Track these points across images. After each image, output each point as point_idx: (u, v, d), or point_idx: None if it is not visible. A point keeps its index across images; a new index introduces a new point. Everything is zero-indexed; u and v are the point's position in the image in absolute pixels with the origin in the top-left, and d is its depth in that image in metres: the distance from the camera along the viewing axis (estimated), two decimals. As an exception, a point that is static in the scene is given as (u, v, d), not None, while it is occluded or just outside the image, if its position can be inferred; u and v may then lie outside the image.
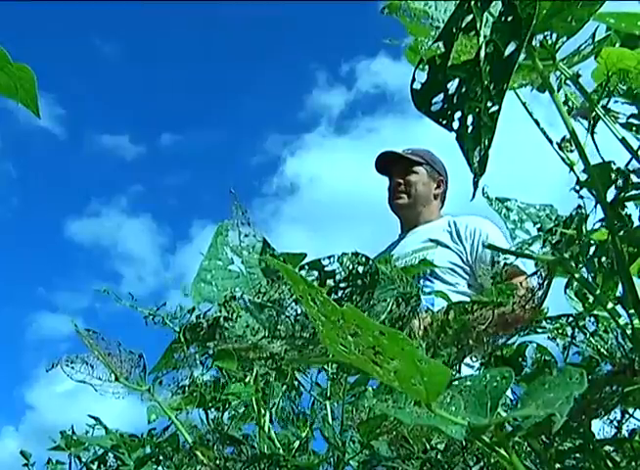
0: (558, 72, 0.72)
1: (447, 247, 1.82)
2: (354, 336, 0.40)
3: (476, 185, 0.49)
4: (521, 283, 0.72)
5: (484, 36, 0.51)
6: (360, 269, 0.61)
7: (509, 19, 0.50)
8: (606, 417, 0.72)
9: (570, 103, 0.76)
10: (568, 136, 0.71)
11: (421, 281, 1.68)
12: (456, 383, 0.46)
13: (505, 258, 0.80)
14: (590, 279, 0.66)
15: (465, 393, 0.44)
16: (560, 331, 0.78)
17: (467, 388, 0.44)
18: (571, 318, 0.78)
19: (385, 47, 0.80)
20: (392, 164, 2.11)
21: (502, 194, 0.93)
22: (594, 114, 0.71)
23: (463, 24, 0.52)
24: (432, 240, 1.87)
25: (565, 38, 0.69)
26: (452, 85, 0.53)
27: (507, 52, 0.50)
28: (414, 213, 2.05)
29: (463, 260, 1.81)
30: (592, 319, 0.80)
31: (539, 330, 0.78)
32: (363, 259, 0.61)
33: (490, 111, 0.50)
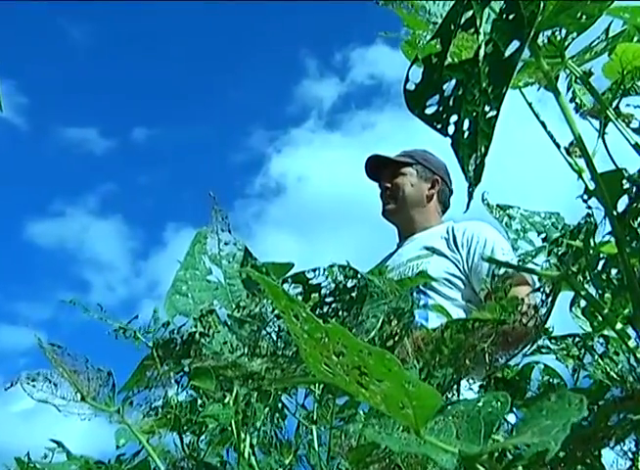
0: (568, 70, 0.74)
1: (444, 255, 1.82)
2: (339, 355, 0.42)
3: (470, 195, 0.50)
4: (523, 299, 0.73)
5: (484, 35, 0.53)
6: (348, 283, 0.62)
7: (510, 17, 0.51)
8: (619, 447, 0.73)
9: (580, 102, 0.78)
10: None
11: (414, 294, 1.68)
12: (449, 407, 0.47)
13: (506, 271, 0.81)
14: (598, 296, 0.67)
15: (458, 418, 0.45)
16: (566, 352, 0.80)
17: (460, 413, 0.46)
18: (577, 338, 0.79)
19: (383, 28, 0.81)
20: (381, 169, 2.13)
21: (505, 200, 0.94)
22: (605, 116, 0.72)
23: (462, 21, 0.54)
24: (426, 248, 1.88)
25: (575, 34, 0.71)
26: (448, 86, 0.54)
27: (508, 52, 0.52)
28: (406, 219, 2.06)
29: (460, 270, 1.81)
30: (602, 340, 0.81)
31: (543, 351, 0.79)
32: (351, 272, 0.62)
33: (488, 116, 0.51)
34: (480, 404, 0.46)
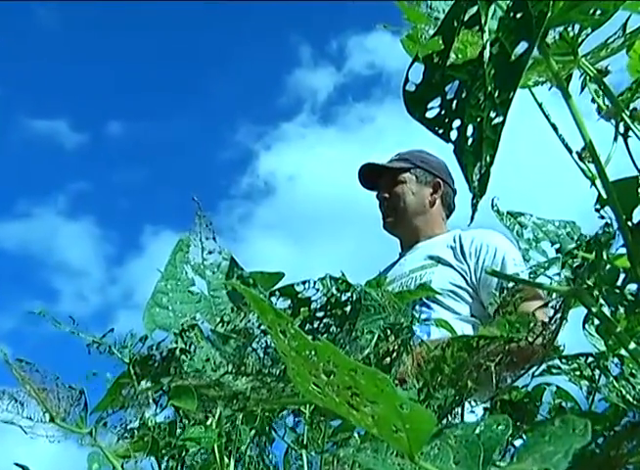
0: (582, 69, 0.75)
1: (450, 265, 1.83)
2: (329, 374, 0.43)
3: (475, 207, 0.51)
4: (534, 314, 0.75)
5: (490, 33, 0.54)
6: (341, 296, 0.64)
7: (518, 16, 0.53)
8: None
9: (602, 103, 0.79)
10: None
11: (416, 306, 1.69)
12: (447, 431, 0.49)
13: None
14: (611, 313, 0.69)
15: (455, 443, 0.47)
16: (578, 373, 0.81)
17: (458, 437, 0.47)
18: (591, 358, 0.80)
19: (383, 17, 0.83)
20: (377, 178, 2.13)
21: (516, 207, 0.94)
22: (622, 120, 0.74)
23: (466, 18, 0.55)
24: (431, 257, 1.88)
25: (589, 30, 0.72)
26: (451, 88, 0.55)
27: (515, 54, 0.53)
28: (410, 229, 2.07)
29: (467, 282, 1.82)
30: (617, 360, 0.83)
31: (554, 371, 0.81)
32: (344, 285, 0.63)
33: (494, 122, 0.52)
34: (480, 428, 0.47)
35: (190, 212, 0.81)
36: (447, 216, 2.16)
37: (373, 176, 2.13)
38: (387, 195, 2.09)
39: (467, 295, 1.81)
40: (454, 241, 1.92)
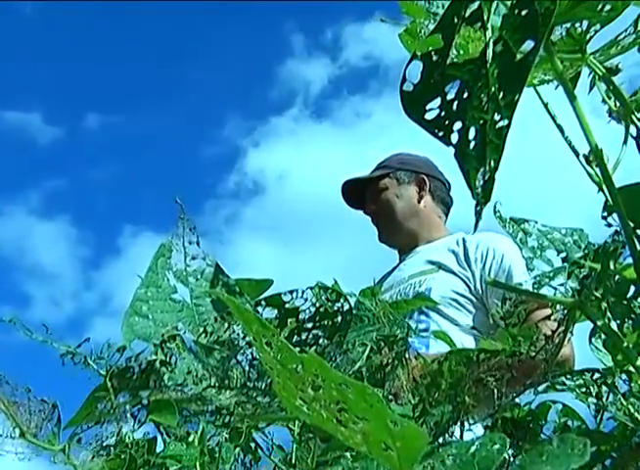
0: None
1: (451, 271, 1.83)
2: (316, 389, 0.44)
3: (478, 215, 0.51)
4: (537, 325, 0.76)
5: (493, 30, 0.55)
6: (331, 306, 0.65)
7: (523, 13, 0.53)
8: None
9: (614, 104, 0.80)
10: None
11: (414, 315, 1.69)
12: (440, 450, 0.50)
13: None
14: (617, 327, 0.70)
15: (449, 462, 0.48)
16: (584, 390, 0.82)
17: (451, 456, 0.48)
18: (597, 375, 0.82)
19: (381, 7, 0.83)
20: (362, 193, 2.15)
21: (520, 213, 0.95)
22: (632, 122, 0.75)
23: (467, 13, 0.56)
24: (431, 262, 1.89)
25: (598, 26, 0.74)
26: (452, 89, 0.55)
27: (521, 53, 0.53)
28: (406, 235, 2.08)
29: (471, 290, 1.82)
30: (625, 376, 0.84)
31: (558, 387, 0.82)
32: (334, 295, 0.65)
33: (498, 125, 0.52)
34: (476, 447, 0.48)
35: (172, 213, 0.82)
36: (445, 213, 2.17)
37: (358, 193, 2.16)
38: (373, 207, 2.12)
39: (470, 304, 1.81)
40: (457, 245, 1.92)
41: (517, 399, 0.85)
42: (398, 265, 2.06)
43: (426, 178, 2.12)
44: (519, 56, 0.54)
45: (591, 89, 0.82)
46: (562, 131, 0.77)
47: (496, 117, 0.53)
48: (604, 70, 0.74)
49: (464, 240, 1.91)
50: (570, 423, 0.96)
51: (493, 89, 0.54)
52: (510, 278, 1.74)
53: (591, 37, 0.73)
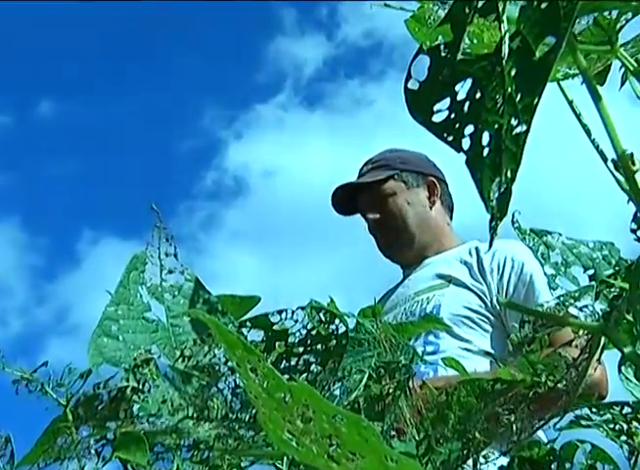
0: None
1: (464, 286, 1.83)
2: (305, 421, 0.45)
3: (494, 230, 0.51)
4: (559, 352, 0.78)
5: (509, 23, 0.56)
6: (324, 329, 0.66)
7: (543, 5, 0.54)
8: None
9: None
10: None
11: (421, 336, 1.67)
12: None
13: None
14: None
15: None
16: (612, 426, 0.84)
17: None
18: (627, 408, 0.83)
19: None
20: (357, 197, 2.10)
21: (542, 223, 0.95)
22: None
23: (479, 3, 0.57)
24: (441, 276, 1.88)
25: (629, 15, 0.75)
26: (463, 88, 0.55)
27: (541, 50, 0.52)
28: (417, 249, 2.05)
29: (487, 306, 1.80)
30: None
31: (583, 423, 0.83)
32: (327, 316, 0.66)
33: (515, 131, 0.52)
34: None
35: (140, 216, 0.83)
36: (451, 218, 2.15)
37: (350, 198, 2.11)
38: (377, 215, 2.06)
39: (486, 322, 1.79)
40: (470, 255, 1.90)
41: (537, 436, 0.86)
42: (403, 281, 2.05)
43: (435, 181, 2.10)
44: (538, 53, 0.54)
45: (622, 85, 0.83)
46: (588, 134, 0.77)
47: (513, 121, 0.53)
48: (635, 65, 0.75)
49: (477, 249, 1.90)
50: (599, 466, 0.97)
51: (509, 90, 0.53)
52: (531, 291, 1.73)
53: (622, 27, 0.74)
